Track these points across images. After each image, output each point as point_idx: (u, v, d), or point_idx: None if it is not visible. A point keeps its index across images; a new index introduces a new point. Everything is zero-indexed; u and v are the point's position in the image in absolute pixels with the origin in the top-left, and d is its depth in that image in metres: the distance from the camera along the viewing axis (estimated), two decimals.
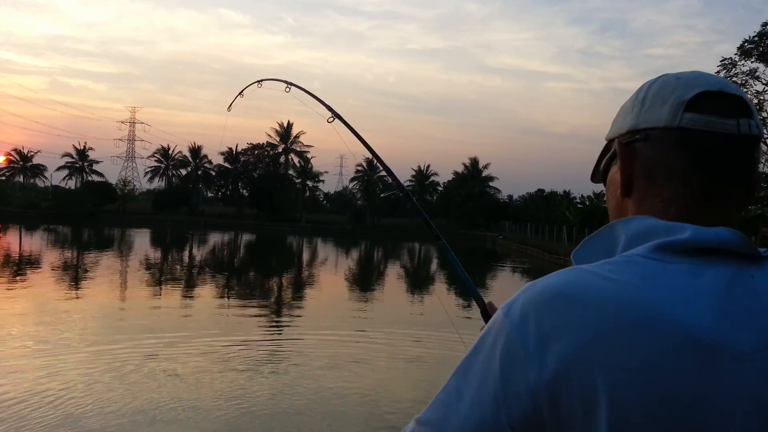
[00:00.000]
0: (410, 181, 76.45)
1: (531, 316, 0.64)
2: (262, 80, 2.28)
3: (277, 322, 12.87)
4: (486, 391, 0.65)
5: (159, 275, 20.96)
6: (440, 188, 76.15)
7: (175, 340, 9.74)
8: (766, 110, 27.93)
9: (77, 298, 14.58)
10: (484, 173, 71.33)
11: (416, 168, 76.25)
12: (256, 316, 13.09)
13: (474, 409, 0.65)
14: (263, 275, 23.32)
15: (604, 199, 0.86)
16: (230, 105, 2.56)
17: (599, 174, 0.85)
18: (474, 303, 1.31)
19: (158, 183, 76.66)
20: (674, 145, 0.71)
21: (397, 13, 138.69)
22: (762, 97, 28.02)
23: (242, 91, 2.42)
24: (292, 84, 2.04)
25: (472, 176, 70.70)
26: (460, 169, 72.94)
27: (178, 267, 24.79)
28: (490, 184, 71.84)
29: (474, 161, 71.88)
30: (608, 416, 0.59)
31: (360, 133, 1.76)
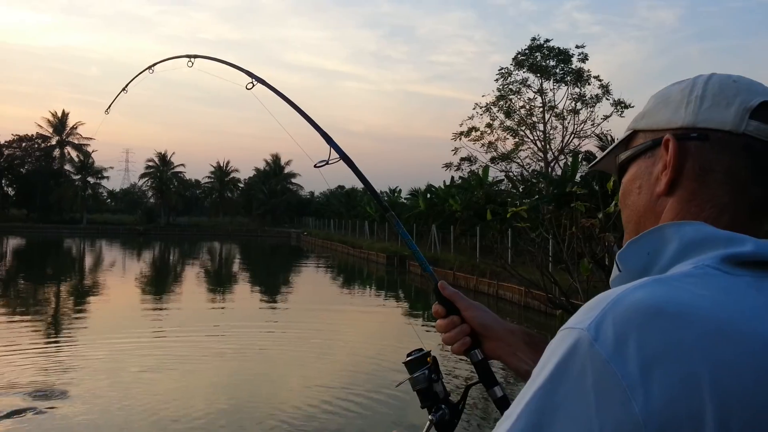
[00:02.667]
0: (209, 177, 73.03)
1: (631, 339, 0.57)
2: (154, 65, 1.79)
3: (65, 332, 11.07)
4: (579, 429, 0.56)
5: None
6: (241, 185, 73.99)
7: None
8: (536, 116, 31.68)
9: None
10: (286, 170, 70.90)
11: (215, 164, 73.11)
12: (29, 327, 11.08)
13: None
14: (40, 284, 20.11)
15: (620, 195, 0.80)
16: (109, 106, 1.97)
17: (611, 163, 0.83)
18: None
19: None
20: (737, 151, 0.70)
21: (185, 0, 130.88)
22: (532, 104, 31.70)
23: (126, 86, 1.87)
24: (195, 56, 1.64)
25: (275, 173, 69.81)
26: (261, 165, 71.64)
27: None
28: (293, 180, 71.69)
29: (276, 158, 71.05)
30: None
31: (288, 96, 1.47)
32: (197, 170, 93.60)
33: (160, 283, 22.16)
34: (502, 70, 31.42)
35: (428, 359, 1.04)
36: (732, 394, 0.55)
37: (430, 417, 1.02)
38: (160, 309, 15.33)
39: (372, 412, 6.81)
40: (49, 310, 14.86)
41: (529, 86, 31.34)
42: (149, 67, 1.83)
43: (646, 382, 0.55)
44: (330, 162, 1.27)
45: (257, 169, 71.82)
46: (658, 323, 0.57)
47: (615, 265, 0.72)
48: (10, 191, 64.50)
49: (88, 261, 31.56)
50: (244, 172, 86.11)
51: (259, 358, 9.73)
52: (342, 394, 7.48)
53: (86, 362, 8.86)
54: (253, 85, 1.52)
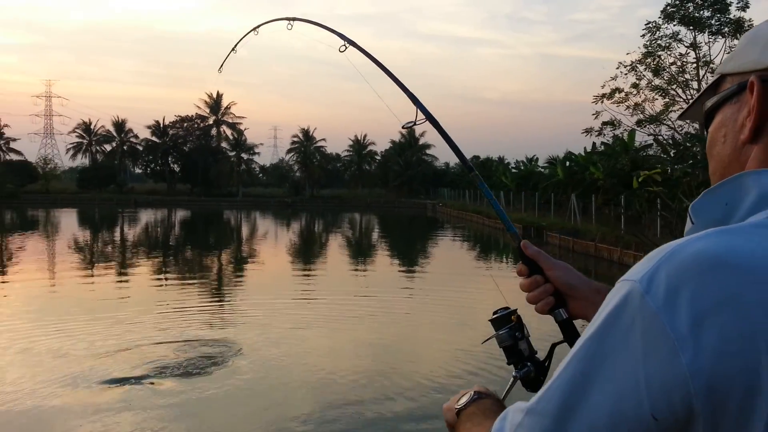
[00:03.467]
0: (348, 151, 75.79)
1: (683, 292, 0.55)
2: (258, 26, 1.89)
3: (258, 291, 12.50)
4: (624, 379, 0.57)
5: (91, 256, 19.93)
6: (378, 157, 75.98)
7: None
8: (688, 72, 29.07)
9: (3, 284, 13.61)
10: (421, 141, 71.57)
11: (353, 138, 75.65)
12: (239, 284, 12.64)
13: (609, 397, 0.57)
14: (205, 251, 22.55)
15: (706, 143, 0.75)
16: (222, 64, 2.11)
17: (699, 111, 0.77)
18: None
19: (81, 160, 72.74)
20: None
21: None
22: (684, 60, 29.10)
23: (235, 45, 1.98)
24: (294, 19, 1.68)
25: (410, 145, 70.78)
26: (396, 137, 72.93)
27: (112, 247, 23.66)
28: (427, 152, 72.24)
29: (411, 130, 71.88)
30: None
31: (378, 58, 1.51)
32: (337, 144, 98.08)
33: (307, 250, 23.83)
34: (650, 25, 29.09)
35: (513, 318, 1.06)
36: None
37: (513, 374, 1.03)
38: (308, 273, 16.59)
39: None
40: (212, 273, 16.66)
41: (680, 40, 28.75)
42: (254, 29, 1.89)
43: (696, 336, 0.53)
44: (417, 123, 1.28)
45: (393, 141, 73.29)
46: (717, 274, 0.54)
47: (688, 216, 0.69)
48: (176, 168, 71.67)
49: (245, 231, 34.57)
50: (381, 144, 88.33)
51: (401, 320, 10.25)
52: (482, 356, 7.75)
53: (245, 319, 9.87)
54: (346, 48, 1.51)
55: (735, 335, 0.53)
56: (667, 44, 28.96)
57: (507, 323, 1.06)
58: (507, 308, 1.09)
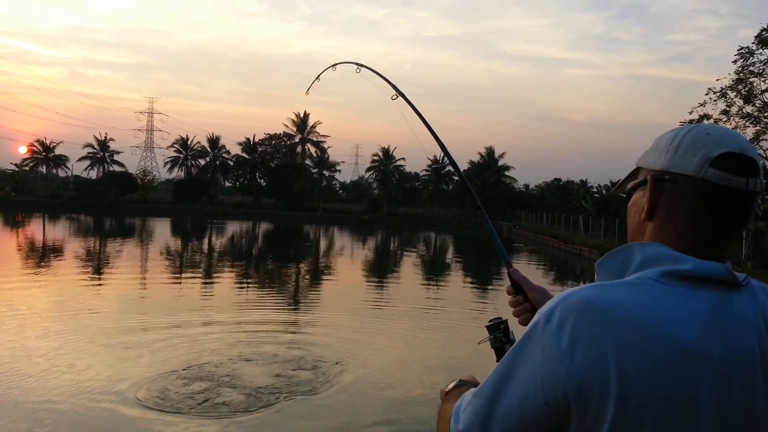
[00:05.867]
0: (426, 171, 76.46)
1: (567, 324, 0.82)
2: (336, 64, 2.27)
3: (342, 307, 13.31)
4: (529, 377, 0.84)
5: (180, 263, 21.47)
6: (456, 178, 75.97)
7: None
8: None
9: (99, 285, 15.07)
10: (500, 162, 71.13)
11: (432, 158, 76.17)
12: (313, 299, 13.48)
13: (519, 388, 0.86)
14: (285, 263, 23.69)
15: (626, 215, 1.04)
16: (308, 89, 2.47)
17: (624, 190, 1.04)
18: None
19: (177, 173, 77.47)
20: (696, 192, 0.89)
21: (411, 0, 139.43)
22: None
23: (319, 75, 2.38)
24: (362, 65, 2.11)
25: (488, 165, 70.50)
26: (475, 158, 72.80)
27: (202, 257, 25.26)
28: (506, 173, 71.70)
29: (490, 150, 71.66)
30: (616, 397, 0.80)
31: (422, 113, 1.79)
32: (416, 163, 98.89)
33: (382, 265, 24.42)
34: (742, 50, 28.00)
35: (501, 326, 1.30)
36: (631, 370, 0.79)
37: None
38: (381, 286, 17.10)
39: None
40: (291, 284, 17.43)
41: None
42: (332, 66, 2.24)
43: (571, 353, 0.80)
44: (445, 167, 1.79)
45: (471, 162, 73.28)
46: (588, 314, 0.81)
47: (595, 270, 0.95)
48: (263, 182, 74.86)
49: (323, 244, 35.75)
50: (459, 165, 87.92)
51: (470, 336, 10.28)
52: None
53: (323, 329, 10.32)
54: (397, 97, 1.76)
55: (594, 354, 0.80)
56: (761, 70, 27.75)
57: (496, 330, 1.30)
58: (499, 318, 1.33)
